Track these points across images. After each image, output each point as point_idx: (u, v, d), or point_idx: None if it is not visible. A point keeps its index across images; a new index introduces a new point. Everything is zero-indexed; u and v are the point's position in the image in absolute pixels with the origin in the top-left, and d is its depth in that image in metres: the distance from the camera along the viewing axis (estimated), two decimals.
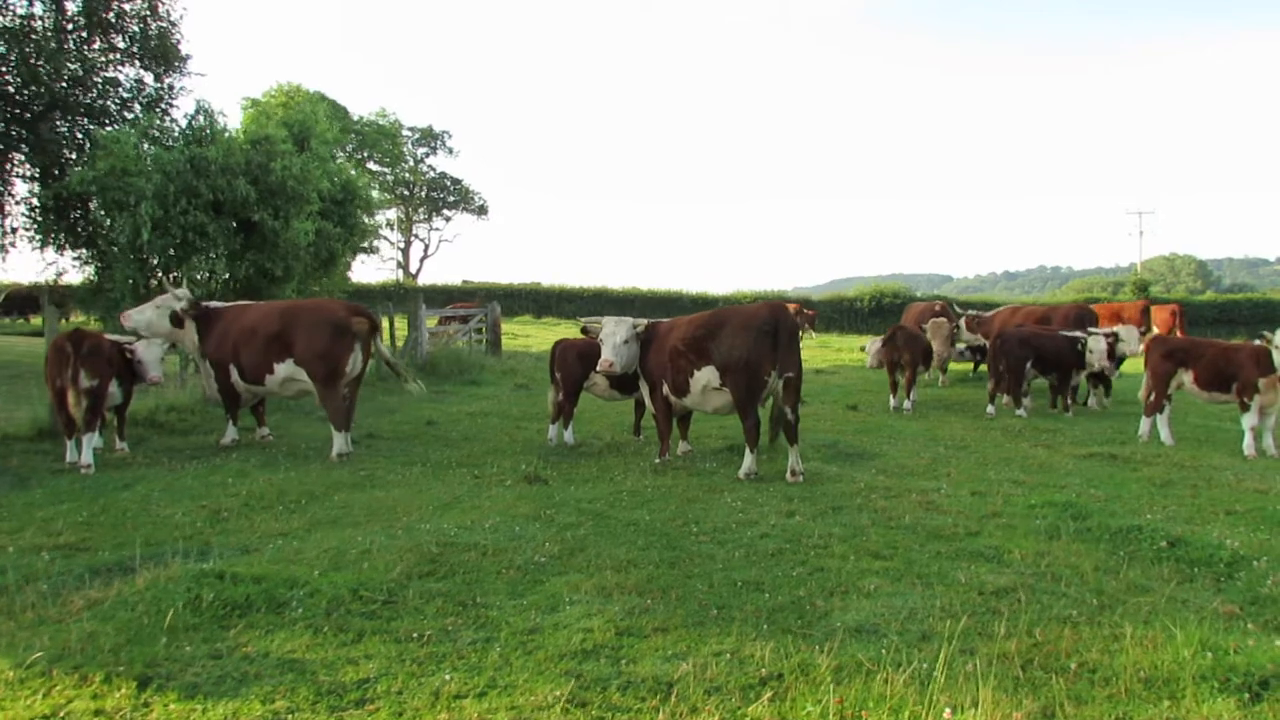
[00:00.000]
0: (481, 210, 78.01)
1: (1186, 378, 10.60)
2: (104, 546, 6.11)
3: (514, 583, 5.48)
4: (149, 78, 18.27)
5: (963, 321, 16.73)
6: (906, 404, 13.90)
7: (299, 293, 16.19)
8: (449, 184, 76.27)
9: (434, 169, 75.92)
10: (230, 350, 10.10)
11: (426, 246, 76.81)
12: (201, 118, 15.52)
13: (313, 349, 9.71)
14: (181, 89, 18.89)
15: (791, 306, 31.23)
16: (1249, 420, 9.99)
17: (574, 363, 10.80)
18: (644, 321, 10.01)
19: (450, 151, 76.90)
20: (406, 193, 74.43)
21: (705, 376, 9.02)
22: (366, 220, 18.24)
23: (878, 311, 48.86)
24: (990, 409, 13.43)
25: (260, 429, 10.94)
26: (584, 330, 10.41)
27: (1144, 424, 11.07)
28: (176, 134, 15.60)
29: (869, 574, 5.74)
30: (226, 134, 15.41)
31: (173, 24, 17.86)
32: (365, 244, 18.05)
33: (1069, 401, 13.66)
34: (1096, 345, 12.91)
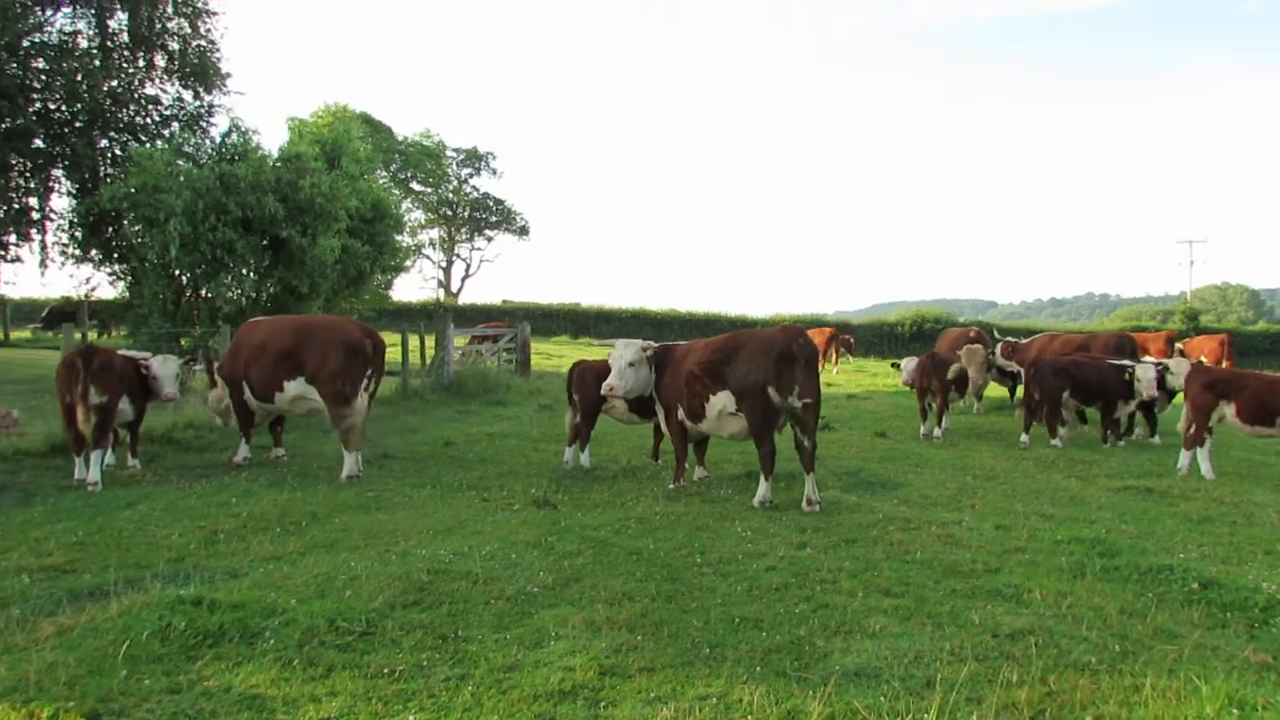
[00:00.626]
0: (523, 231, 78.55)
1: (1229, 410, 10.12)
2: (90, 569, 6.01)
3: (501, 614, 5.26)
4: (189, 95, 18.57)
5: (998, 348, 16.26)
6: (937, 431, 13.49)
7: (326, 310, 16.24)
8: (491, 204, 76.91)
9: (477, 189, 76.66)
10: (242, 367, 10.05)
11: (468, 266, 77.47)
12: (235, 135, 15.68)
13: (325, 368, 9.62)
14: (220, 107, 19.16)
15: (827, 331, 31.07)
16: None
17: (592, 384, 10.60)
18: (654, 344, 9.80)
19: (494, 172, 77.47)
20: (449, 213, 75.20)
21: (721, 401, 8.77)
22: (398, 239, 18.28)
23: (919, 336, 48.16)
24: (1024, 438, 12.99)
25: (276, 449, 10.89)
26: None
27: (1184, 457, 10.58)
28: (210, 151, 15.78)
29: (876, 612, 5.43)
30: (260, 152, 15.54)
31: (213, 43, 18.15)
32: (396, 263, 17.97)
33: (1113, 433, 13.10)
34: (1145, 374, 12.35)
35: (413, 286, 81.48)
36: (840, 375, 28.23)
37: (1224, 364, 29.02)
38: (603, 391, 9.65)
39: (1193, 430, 10.43)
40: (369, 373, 9.93)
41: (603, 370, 10.38)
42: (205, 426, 11.66)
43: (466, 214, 76.22)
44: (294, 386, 9.84)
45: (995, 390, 19.13)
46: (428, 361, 19.42)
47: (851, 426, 14.74)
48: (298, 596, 5.30)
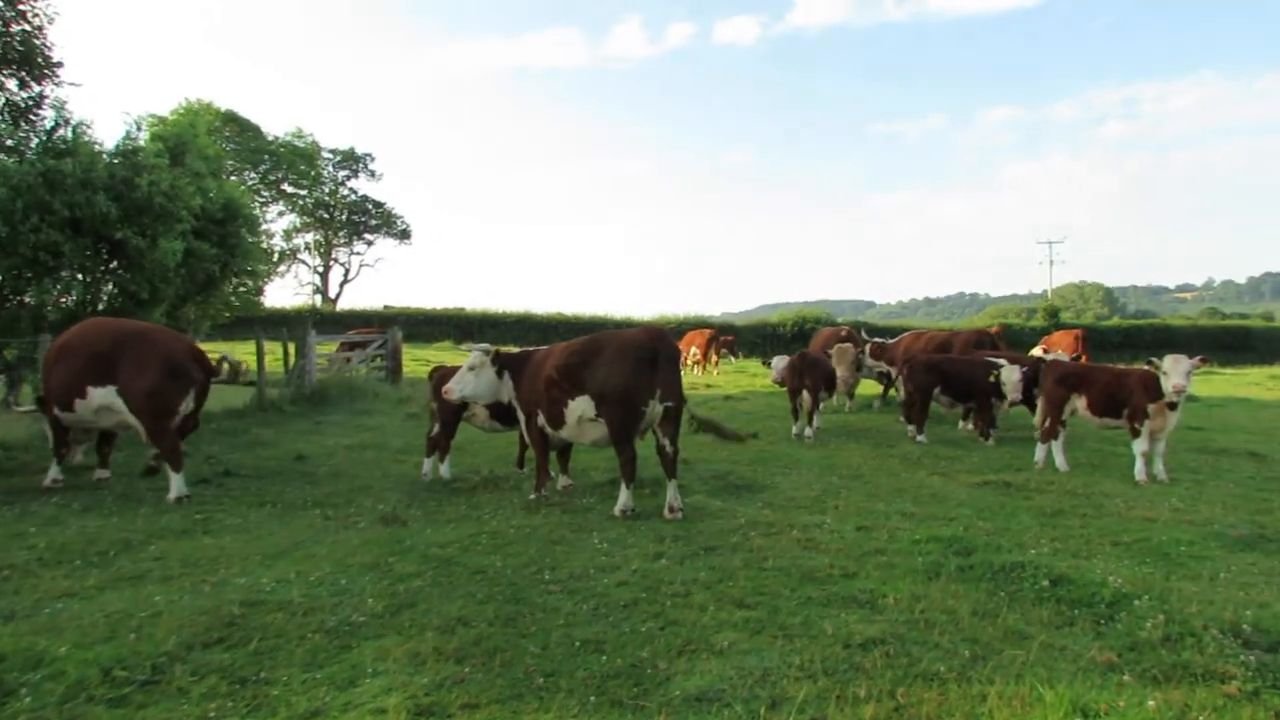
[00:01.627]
0: (405, 234, 76.64)
1: (1080, 403, 10.37)
2: None
3: (316, 650, 4.74)
4: (13, 84, 16.98)
5: (868, 347, 16.44)
6: (809, 432, 13.46)
7: (171, 317, 15.14)
8: (371, 207, 74.73)
9: (355, 192, 74.38)
10: (47, 372, 9.07)
11: (347, 271, 75.10)
12: (64, 129, 14.44)
13: (141, 383, 8.75)
14: (54, 100, 17.64)
15: (707, 332, 31.14)
16: (1139, 446, 9.76)
17: None
18: (491, 347, 9.40)
19: (373, 175, 75.27)
20: (326, 215, 72.67)
21: (580, 407, 8.40)
22: (252, 241, 17.20)
23: (800, 337, 49.07)
24: (921, 437, 13.10)
25: (100, 470, 9.89)
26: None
27: (1039, 450, 10.80)
28: (36, 146, 14.45)
29: (727, 627, 5.15)
30: (93, 147, 14.32)
31: (39, 28, 16.64)
32: (251, 267, 16.86)
33: (979, 428, 13.30)
34: (1009, 376, 12.54)
35: (288, 292, 78.30)
36: (721, 376, 28.29)
37: (1081, 358, 30.44)
38: (443, 395, 9.28)
39: (1047, 424, 10.65)
40: (192, 392, 9.12)
41: None
42: (19, 446, 10.59)
43: (344, 217, 73.84)
44: (100, 395, 8.87)
45: (869, 388, 19.43)
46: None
47: None
48: (77, 641, 4.66)
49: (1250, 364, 41.81)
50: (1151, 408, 9.57)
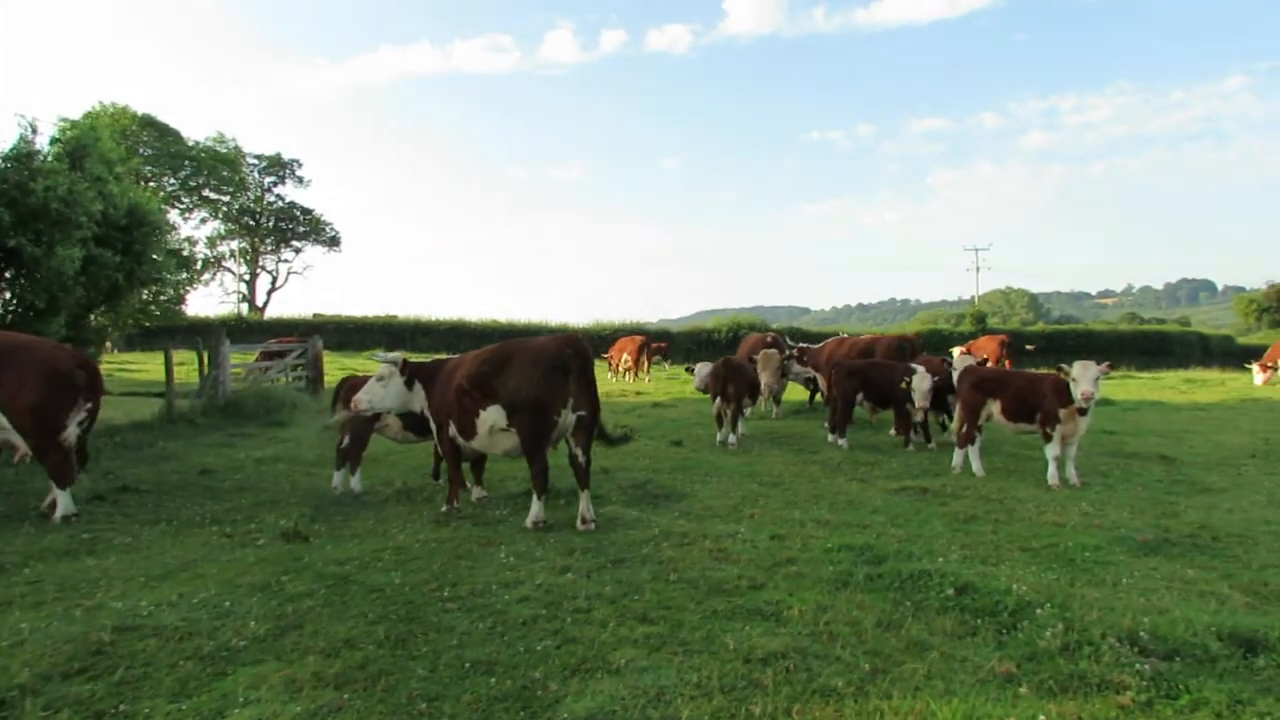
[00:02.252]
0: (334, 241, 75.15)
1: (995, 408, 10.48)
2: None
3: (187, 678, 4.48)
4: None
5: (793, 353, 16.48)
6: (732, 438, 13.41)
7: (72, 326, 14.46)
8: (299, 214, 73.14)
9: (282, 199, 72.77)
10: None
11: (274, 279, 73.33)
12: None
13: (23, 398, 8.28)
14: None
15: (638, 339, 31.04)
16: (1051, 450, 9.89)
17: None
18: (400, 355, 9.17)
19: (300, 180, 73.57)
20: (252, 222, 70.93)
21: (492, 417, 8.19)
22: (161, 247, 16.54)
23: (735, 343, 49.26)
24: (842, 441, 13.09)
25: None
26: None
27: (957, 456, 10.89)
28: None
29: (626, 644, 5.01)
30: None
31: None
32: (159, 274, 16.20)
33: (902, 433, 13.33)
34: (920, 385, 12.38)
35: (213, 301, 76.14)
36: (652, 384, 28.21)
37: (1005, 363, 31.12)
38: (351, 407, 8.98)
39: (964, 429, 10.75)
40: (83, 404, 8.68)
41: None
42: None
43: (271, 224, 72.16)
44: None
45: (796, 393, 19.52)
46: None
47: (650, 436, 14.48)
48: None
49: (1166, 368, 43.22)
50: (1063, 412, 9.71)
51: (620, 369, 30.97)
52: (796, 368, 16.52)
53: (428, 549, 7.20)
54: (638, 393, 24.30)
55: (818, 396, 17.77)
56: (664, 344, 38.42)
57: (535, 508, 8.03)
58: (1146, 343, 57.97)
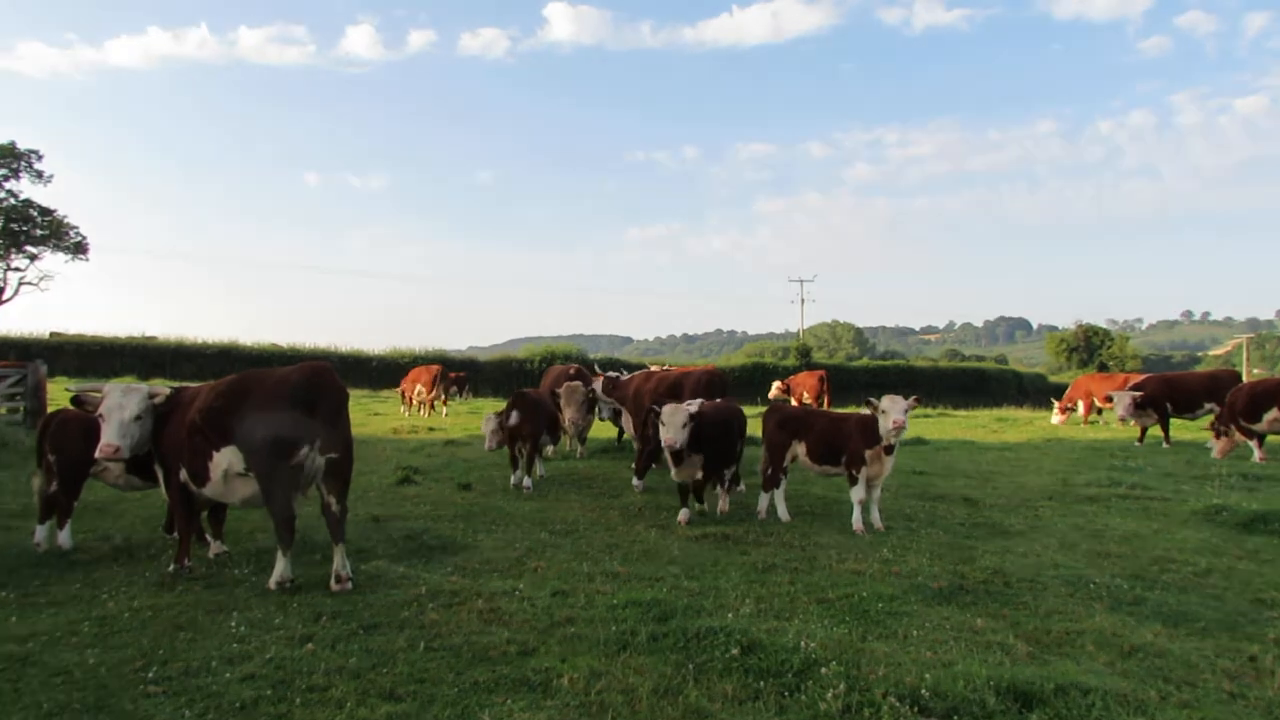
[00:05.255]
0: (79, 248, 69.49)
1: (800, 449, 10.74)
2: None
3: None
4: None
5: (598, 385, 16.43)
6: (527, 481, 13.15)
7: None
8: (36, 215, 67.25)
9: (15, 195, 66.74)
10: None
11: (2, 290, 67.05)
12: None
13: None
14: None
15: (434, 369, 30.35)
16: (857, 494, 10.21)
17: (76, 441, 8.93)
18: (165, 390, 8.40)
19: (39, 176, 67.69)
20: None
21: (226, 459, 7.57)
22: None
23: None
24: (637, 482, 12.88)
25: None
26: (76, 401, 8.47)
27: (762, 500, 11.08)
28: None
29: None
30: None
31: None
32: None
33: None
34: (672, 419, 10.53)
35: None
36: (448, 419, 27.57)
37: (825, 399, 32.52)
38: (100, 454, 7.95)
39: (770, 471, 10.95)
40: None
41: (92, 424, 8.61)
42: None
43: (0, 224, 66.08)
44: None
45: (603, 430, 19.53)
46: None
47: (437, 478, 14.03)
48: None
49: (982, 405, 46.59)
50: (868, 453, 10.07)
51: (414, 401, 30.12)
52: (603, 397, 16.47)
53: (140, 619, 6.57)
54: (430, 429, 23.64)
55: (625, 434, 17.81)
56: (462, 374, 37.77)
57: (280, 565, 7.47)
58: (965, 379, 62.57)
